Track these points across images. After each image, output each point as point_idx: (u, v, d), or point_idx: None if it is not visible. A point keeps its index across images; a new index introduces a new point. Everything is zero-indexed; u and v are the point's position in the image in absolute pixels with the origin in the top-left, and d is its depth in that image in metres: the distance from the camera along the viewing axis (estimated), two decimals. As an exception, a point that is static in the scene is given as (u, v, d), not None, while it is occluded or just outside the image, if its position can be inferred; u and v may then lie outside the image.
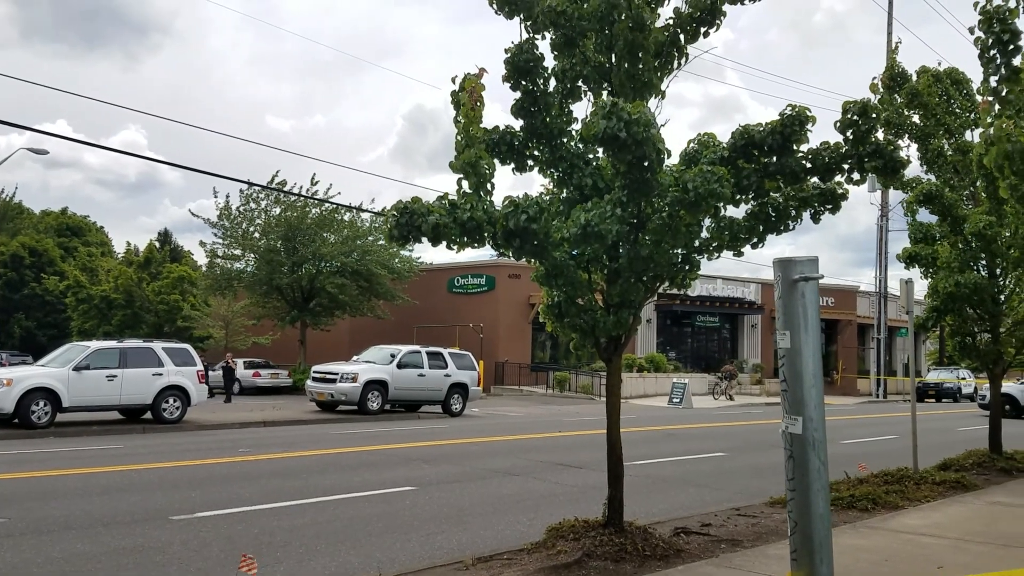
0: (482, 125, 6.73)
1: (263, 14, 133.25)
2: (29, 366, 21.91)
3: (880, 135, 7.05)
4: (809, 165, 6.93)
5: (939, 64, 12.53)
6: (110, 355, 18.57)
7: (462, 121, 6.57)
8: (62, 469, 11.82)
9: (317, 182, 36.02)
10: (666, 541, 7.07)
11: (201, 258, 44.45)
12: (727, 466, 13.97)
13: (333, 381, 23.53)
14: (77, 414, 18.31)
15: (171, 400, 19.20)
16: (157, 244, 55.44)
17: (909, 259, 13.00)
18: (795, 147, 6.84)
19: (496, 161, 6.85)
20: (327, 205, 35.50)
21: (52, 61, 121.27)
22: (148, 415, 19.22)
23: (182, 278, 42.49)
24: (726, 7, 6.94)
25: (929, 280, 13.04)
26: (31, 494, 9.73)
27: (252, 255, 36.83)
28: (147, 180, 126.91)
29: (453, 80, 6.51)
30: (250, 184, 33.04)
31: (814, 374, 4.16)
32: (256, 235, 36.58)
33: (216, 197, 47.10)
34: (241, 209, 36.62)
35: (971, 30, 7.18)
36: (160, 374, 19.05)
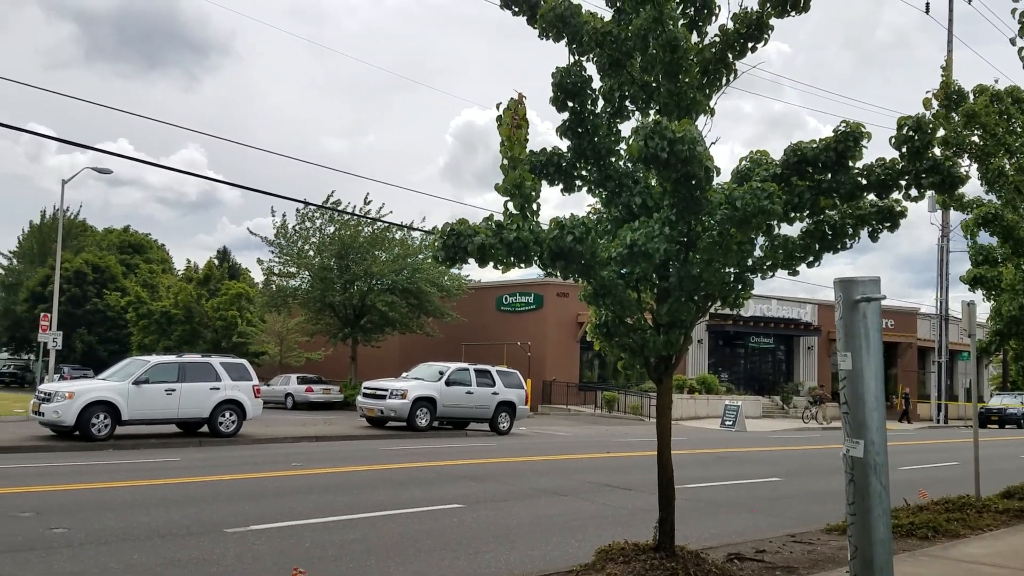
0: (528, 148, 6.76)
1: (318, 36, 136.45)
2: (90, 380, 22.54)
3: (937, 151, 6.89)
4: (864, 181, 6.81)
5: (995, 82, 12.16)
6: (169, 369, 19.01)
7: (506, 144, 6.62)
8: (121, 481, 12.13)
9: (370, 201, 36.65)
10: (719, 567, 6.93)
11: (258, 275, 45.44)
12: (782, 491, 13.66)
13: (383, 397, 23.75)
14: (136, 427, 18.77)
15: (227, 414, 19.57)
16: (216, 261, 56.85)
17: (973, 281, 12.64)
18: (850, 164, 6.72)
19: (544, 182, 6.88)
20: (379, 224, 36.04)
21: (114, 81, 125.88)
22: (205, 428, 19.61)
23: (240, 295, 43.46)
24: (773, 21, 6.88)
25: (992, 303, 12.64)
26: (90, 505, 10.00)
27: (307, 273, 37.54)
28: (207, 198, 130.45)
29: (497, 106, 6.56)
30: (306, 203, 33.86)
31: (876, 397, 4.07)
32: (311, 253, 37.32)
33: (273, 216, 48.09)
34: (297, 228, 37.41)
35: (1012, 41, 6.98)
36: (217, 388, 19.44)
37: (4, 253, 63.02)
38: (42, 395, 18.09)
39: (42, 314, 31.31)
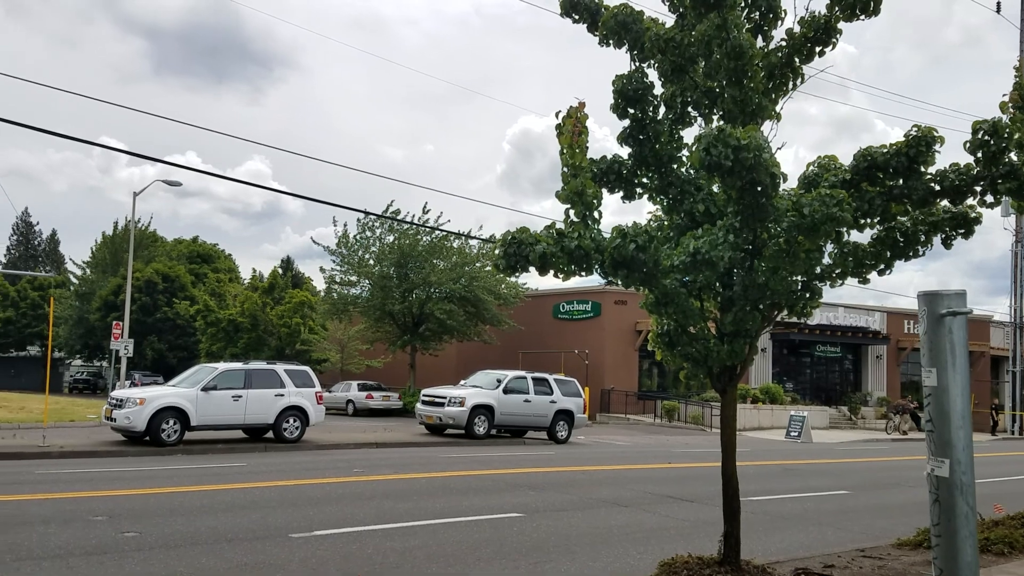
0: (588, 155, 6.73)
1: (378, 47, 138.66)
2: (160, 386, 23.20)
3: (1014, 156, 6.62)
4: (937, 187, 6.60)
5: None
6: (236, 376, 19.45)
7: (566, 152, 6.59)
8: (189, 486, 12.44)
9: (428, 210, 37.19)
10: (785, 581, 6.76)
11: (320, 284, 46.30)
12: (850, 504, 13.27)
13: (441, 405, 23.89)
14: (204, 432, 19.24)
15: (291, 420, 19.92)
16: (280, 270, 58.14)
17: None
18: (922, 169, 6.52)
19: (604, 190, 6.83)
20: (437, 233, 36.40)
21: (183, 95, 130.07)
22: (269, 434, 20.00)
23: (302, 303, 44.28)
24: (841, 24, 6.72)
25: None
26: (160, 509, 10.27)
27: (367, 281, 38.13)
28: (271, 209, 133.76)
29: (557, 114, 6.54)
30: (366, 213, 34.45)
31: (962, 414, 3.92)
32: (371, 262, 37.90)
33: (335, 225, 49.03)
34: (357, 237, 38.04)
35: None
36: (282, 395, 19.82)
37: (78, 263, 65.58)
38: (114, 401, 18.65)
39: (114, 322, 32.41)
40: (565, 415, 24.88)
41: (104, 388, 51.31)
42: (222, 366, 20.12)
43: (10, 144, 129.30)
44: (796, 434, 30.64)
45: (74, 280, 64.91)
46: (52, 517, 9.33)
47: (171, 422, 18.06)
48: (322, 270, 40.52)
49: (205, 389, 18.68)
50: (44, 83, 58.37)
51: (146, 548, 8.02)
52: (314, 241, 75.44)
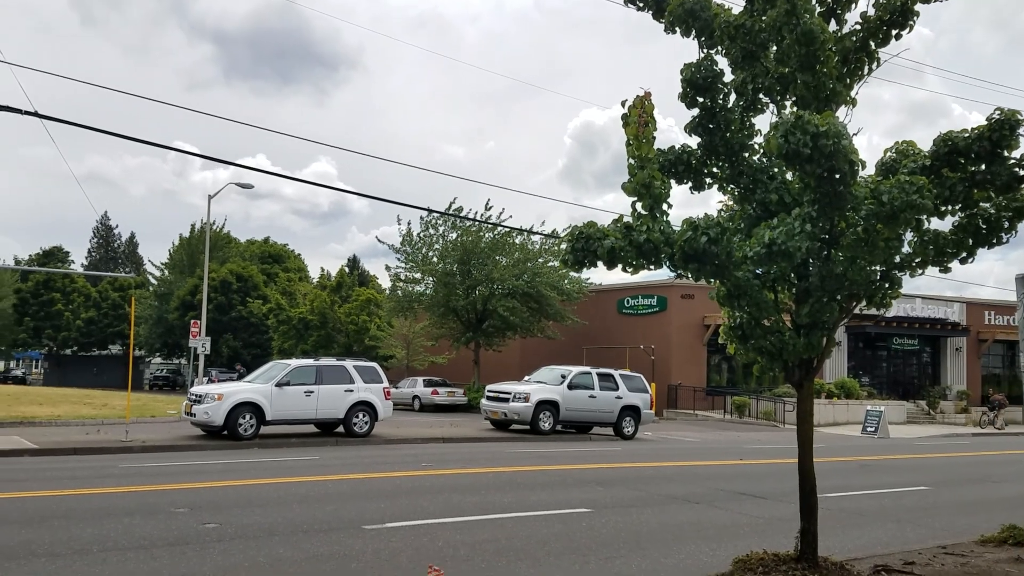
0: (654, 146, 6.64)
1: (441, 46, 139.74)
2: (236, 382, 23.84)
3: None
4: (1022, 172, 6.32)
5: None
6: (308, 372, 19.86)
7: (633, 143, 6.51)
8: (265, 478, 12.77)
9: (491, 207, 37.36)
10: (864, 580, 6.59)
11: (385, 281, 47.00)
12: (930, 501, 12.84)
13: (506, 400, 23.97)
14: (277, 427, 19.73)
15: (361, 415, 20.26)
16: (347, 269, 59.23)
17: None
18: (1005, 153, 6.26)
19: (672, 181, 6.73)
20: (499, 229, 36.51)
21: (251, 98, 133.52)
22: (340, 429, 20.38)
23: (369, 300, 45.04)
24: (918, 6, 6.48)
25: None
26: (239, 501, 10.58)
27: (431, 278, 38.53)
28: (337, 209, 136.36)
29: (623, 104, 6.42)
30: (429, 211, 34.77)
31: None
32: (434, 259, 38.27)
33: (399, 224, 49.76)
34: (421, 235, 38.47)
35: None
36: (351, 390, 20.16)
37: (156, 264, 68.04)
38: (193, 397, 19.27)
39: (192, 321, 33.51)
40: (631, 411, 24.68)
41: (183, 385, 53.12)
42: (294, 362, 20.54)
43: (90, 150, 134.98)
44: (872, 429, 29.79)
45: (153, 281, 67.37)
46: (136, 509, 9.69)
47: (247, 417, 18.54)
48: (387, 268, 41.29)
49: (279, 385, 19.11)
50: (119, 89, 60.67)
51: (226, 539, 8.27)
52: (379, 240, 76.63)
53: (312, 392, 19.50)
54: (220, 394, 18.73)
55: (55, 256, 77.73)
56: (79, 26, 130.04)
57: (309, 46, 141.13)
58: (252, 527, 8.85)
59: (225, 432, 18.45)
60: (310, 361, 20.82)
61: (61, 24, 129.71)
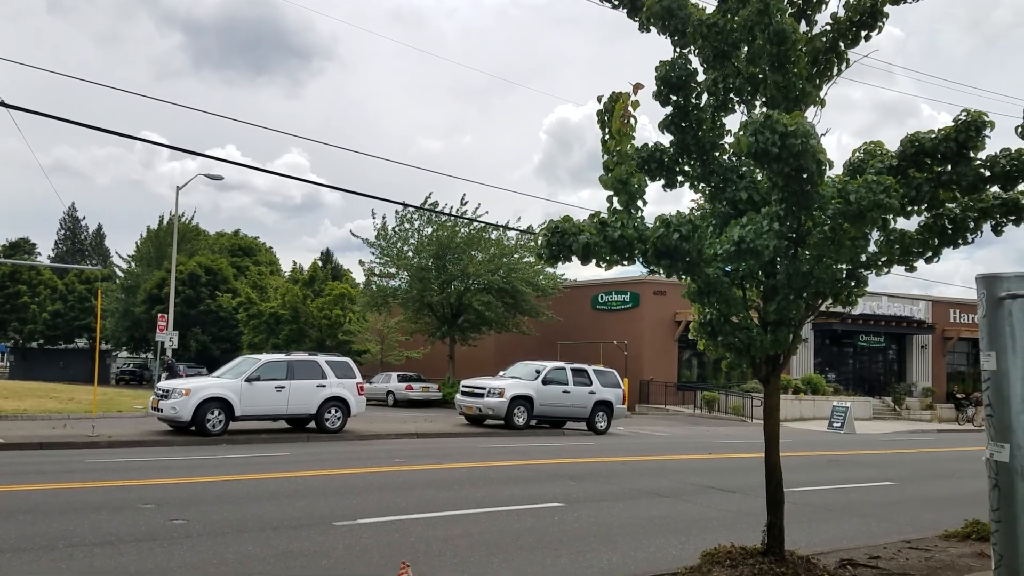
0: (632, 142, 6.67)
1: (417, 39, 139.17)
2: (205, 377, 23.58)
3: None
4: (987, 173, 6.46)
5: None
6: (279, 367, 19.70)
7: (611, 139, 6.52)
8: (234, 475, 12.67)
9: (466, 202, 37.28)
10: (831, 573, 6.72)
11: (359, 276, 46.76)
12: (895, 496, 13.07)
13: (481, 395, 24.00)
14: (247, 423, 19.56)
15: (333, 411, 20.14)
16: (320, 262, 58.77)
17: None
18: (971, 154, 6.38)
19: (645, 178, 6.77)
20: (475, 224, 36.50)
21: (222, 89, 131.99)
22: (312, 424, 20.25)
23: (343, 295, 44.79)
24: (888, 8, 6.58)
25: None
26: (207, 498, 10.48)
27: (406, 273, 38.42)
28: (310, 201, 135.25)
29: (599, 99, 6.39)
30: (405, 205, 34.75)
31: (1022, 399, 3.85)
32: (409, 254, 38.18)
33: (374, 218, 49.52)
34: (396, 229, 38.33)
35: None
36: (323, 386, 20.04)
37: (123, 257, 67.02)
38: (160, 392, 19.05)
39: (159, 315, 33.10)
40: (604, 406, 24.83)
41: (150, 380, 52.45)
42: (265, 357, 20.38)
43: (57, 140, 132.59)
44: (839, 425, 30.23)
45: (120, 273, 66.32)
46: (103, 505, 9.58)
47: (216, 412, 18.36)
48: (361, 263, 40.95)
49: (249, 380, 18.94)
50: (87, 79, 59.63)
51: (194, 535, 8.19)
52: (353, 234, 76.27)
53: (283, 387, 19.35)
54: (188, 389, 18.53)
55: (21, 248, 76.24)
56: (47, 14, 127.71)
57: (282, 37, 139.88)
58: (220, 523, 8.78)
59: (193, 428, 18.27)
60: (281, 356, 20.65)
61: (29, 12, 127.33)
